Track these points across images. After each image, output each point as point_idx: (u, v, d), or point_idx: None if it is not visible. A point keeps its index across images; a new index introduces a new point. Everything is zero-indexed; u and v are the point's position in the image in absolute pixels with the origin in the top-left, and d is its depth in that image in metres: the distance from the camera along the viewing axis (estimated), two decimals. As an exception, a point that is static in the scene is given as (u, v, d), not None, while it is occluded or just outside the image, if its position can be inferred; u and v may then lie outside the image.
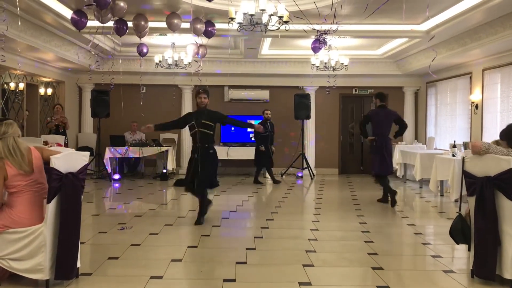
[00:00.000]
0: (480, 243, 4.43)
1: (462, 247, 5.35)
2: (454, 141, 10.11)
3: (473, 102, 10.86)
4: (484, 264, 4.38)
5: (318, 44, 9.17)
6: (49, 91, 13.21)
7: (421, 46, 10.80)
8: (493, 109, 10.20)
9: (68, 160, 4.26)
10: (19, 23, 7.74)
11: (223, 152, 12.74)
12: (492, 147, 4.49)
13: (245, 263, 5.09)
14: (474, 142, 4.59)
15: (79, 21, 8.07)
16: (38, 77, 12.17)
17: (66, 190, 4.14)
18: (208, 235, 6.34)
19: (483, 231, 4.38)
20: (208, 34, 8.82)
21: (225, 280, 4.49)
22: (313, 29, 8.07)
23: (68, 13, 8.42)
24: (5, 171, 4.10)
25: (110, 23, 8.27)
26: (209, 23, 8.75)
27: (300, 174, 13.40)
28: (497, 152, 4.45)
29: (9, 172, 4.10)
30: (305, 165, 13.23)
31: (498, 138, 4.96)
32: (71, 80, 13.42)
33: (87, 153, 4.59)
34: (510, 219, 4.26)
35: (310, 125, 13.96)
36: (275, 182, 11.96)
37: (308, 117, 13.23)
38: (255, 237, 6.25)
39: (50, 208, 4.08)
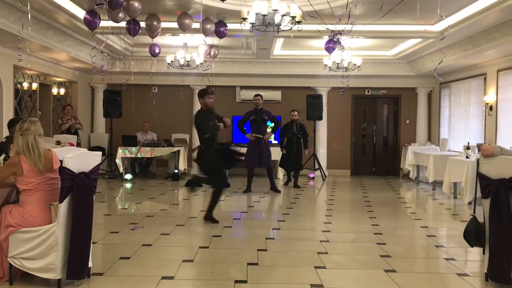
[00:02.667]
0: (494, 246, 4.36)
1: (476, 250, 5.28)
2: (468, 143, 10.01)
3: (487, 104, 10.74)
4: (499, 267, 4.31)
5: (332, 44, 9.13)
6: (62, 91, 13.29)
7: (434, 46, 10.70)
8: (508, 111, 10.08)
9: (81, 159, 4.26)
10: (29, 24, 7.76)
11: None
12: (504, 150, 4.45)
13: (256, 264, 5.07)
14: (486, 146, 4.53)
15: (92, 21, 8.09)
16: (51, 77, 12.25)
17: (78, 190, 4.14)
18: (220, 236, 6.33)
19: (498, 233, 4.31)
20: (220, 34, 8.81)
21: (236, 281, 4.47)
22: (327, 29, 8.01)
23: (81, 13, 8.45)
24: (19, 168, 4.12)
25: (123, 23, 8.30)
26: (221, 23, 8.74)
27: (311, 175, 13.34)
28: (509, 154, 4.39)
29: (24, 168, 4.12)
30: (317, 166, 13.18)
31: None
32: (83, 80, 13.50)
33: (99, 153, 4.60)
34: (526, 222, 4.20)
35: (322, 126, 13.90)
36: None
37: (320, 118, 13.17)
38: (266, 238, 6.22)
39: (62, 208, 4.09)
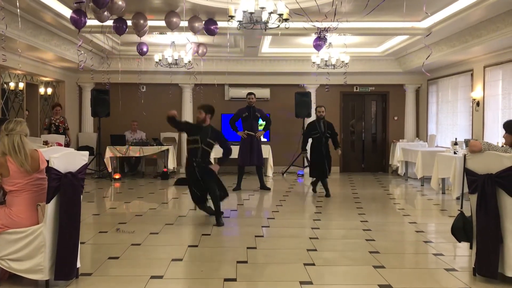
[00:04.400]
0: (482, 241, 4.40)
1: (464, 245, 5.32)
2: (456, 139, 10.09)
3: (474, 100, 10.82)
4: (486, 262, 4.35)
5: (319, 41, 9.14)
6: (49, 90, 13.19)
7: (422, 43, 10.75)
8: (494, 107, 10.16)
9: (67, 159, 4.24)
10: (19, 23, 7.70)
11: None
12: (491, 145, 4.49)
13: (246, 262, 5.07)
14: (473, 142, 4.58)
15: (78, 20, 8.03)
16: (38, 77, 12.15)
17: (65, 190, 4.12)
18: (209, 234, 6.32)
19: (485, 228, 4.35)
20: (210, 32, 8.79)
21: (225, 280, 4.47)
22: (313, 26, 8.02)
23: (67, 12, 8.39)
24: (6, 168, 4.09)
25: (110, 22, 8.25)
26: (211, 21, 8.71)
27: (301, 173, 13.36)
28: (496, 150, 4.43)
29: (11, 169, 4.09)
30: (306, 164, 13.20)
31: (500, 135, 4.96)
32: (71, 80, 13.40)
33: (86, 152, 4.58)
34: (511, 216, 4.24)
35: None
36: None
37: (309, 115, 13.19)
38: (256, 236, 6.22)
39: (50, 208, 4.06)
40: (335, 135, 9.89)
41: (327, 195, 9.53)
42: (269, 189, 10.49)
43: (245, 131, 10.28)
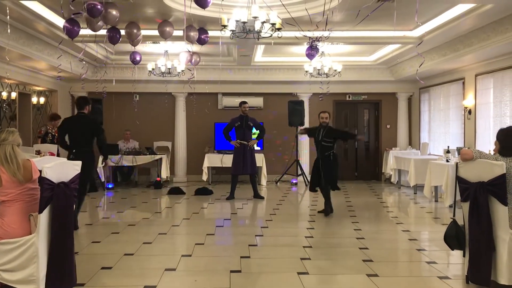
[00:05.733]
0: (474, 249, 4.42)
1: (457, 253, 5.34)
2: (448, 147, 10.15)
3: (466, 108, 10.89)
4: (479, 270, 4.37)
5: (311, 51, 9.18)
6: (42, 100, 13.16)
7: (413, 52, 10.82)
8: (486, 114, 10.23)
9: (60, 169, 4.23)
10: (9, 31, 7.69)
11: (217, 159, 12.76)
12: (482, 154, 4.53)
13: (239, 271, 5.06)
14: (465, 150, 4.61)
15: (72, 30, 8.03)
16: (31, 86, 12.12)
17: (58, 200, 4.10)
18: (202, 244, 6.31)
19: (477, 236, 4.37)
20: (201, 41, 8.82)
21: (219, 289, 4.46)
22: (305, 36, 8.07)
23: (60, 22, 8.39)
24: None
25: (103, 32, 8.25)
26: (202, 31, 8.75)
27: (294, 181, 13.38)
28: (487, 158, 4.47)
29: (3, 179, 4.07)
30: (299, 172, 13.23)
31: (492, 143, 4.99)
32: (63, 89, 13.36)
33: (79, 162, 4.56)
34: (504, 224, 4.26)
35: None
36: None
37: (302, 124, 13.23)
38: (249, 245, 6.21)
39: (42, 218, 4.04)
40: (343, 135, 9.21)
41: (322, 211, 8.59)
42: (262, 197, 10.48)
43: (238, 140, 10.28)
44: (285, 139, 14.09)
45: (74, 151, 7.45)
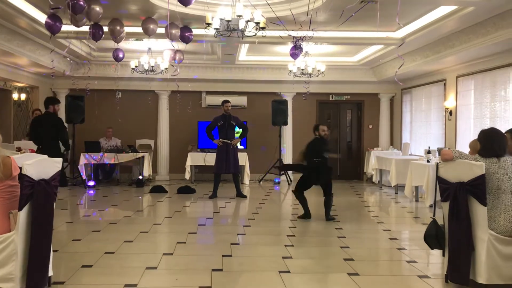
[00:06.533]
0: (453, 248, 4.47)
1: (437, 252, 5.39)
2: (429, 147, 10.25)
3: (447, 109, 11.02)
4: (458, 269, 4.42)
5: (295, 50, 9.20)
6: (23, 96, 13.00)
7: (396, 53, 10.92)
8: (466, 116, 10.36)
9: (40, 166, 4.18)
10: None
11: (200, 158, 12.73)
12: (462, 154, 4.59)
13: (221, 270, 5.06)
14: (445, 150, 4.66)
15: (53, 26, 7.93)
16: (11, 82, 11.96)
17: (38, 197, 4.05)
18: (184, 242, 6.29)
19: (457, 236, 4.42)
20: (185, 39, 8.77)
21: (200, 288, 4.45)
22: (289, 35, 8.09)
23: (42, 17, 8.30)
24: None
25: (86, 28, 8.18)
26: (186, 29, 8.71)
27: (277, 180, 13.41)
28: (467, 159, 4.52)
29: None
30: (282, 171, 13.25)
31: (472, 143, 5.07)
32: (45, 85, 13.21)
33: (60, 159, 4.51)
34: (483, 224, 4.31)
35: (287, 131, 13.97)
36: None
37: (286, 123, 13.27)
38: (231, 244, 6.21)
39: (22, 216, 3.99)
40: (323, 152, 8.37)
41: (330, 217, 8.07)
42: (245, 196, 10.48)
43: (221, 139, 10.27)
44: (267, 140, 14.09)
45: (40, 146, 8.81)
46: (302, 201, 8.26)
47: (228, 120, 10.33)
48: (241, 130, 10.74)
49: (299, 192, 8.30)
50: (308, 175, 8.33)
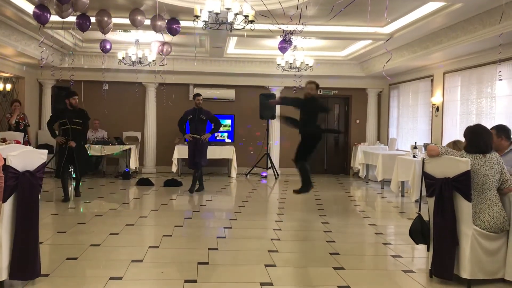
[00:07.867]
0: (438, 243, 4.51)
1: (422, 247, 5.43)
2: (415, 143, 10.31)
3: (434, 105, 11.08)
4: (442, 264, 4.46)
5: (285, 44, 9.19)
6: (8, 86, 12.85)
7: (383, 48, 10.95)
8: (453, 112, 10.43)
9: (25, 158, 4.14)
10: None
11: (187, 151, 12.61)
12: (448, 150, 4.61)
13: (207, 263, 5.06)
14: (431, 146, 4.69)
15: (41, 16, 7.85)
16: (-4, 72, 11.82)
17: (22, 189, 4.02)
18: (170, 235, 6.27)
19: (442, 231, 4.46)
20: (172, 31, 8.72)
21: (186, 281, 4.44)
22: (279, 28, 8.07)
23: (29, 7, 8.20)
24: None
25: (73, 18, 8.10)
26: (174, 21, 8.65)
27: (264, 174, 13.42)
28: (453, 155, 4.55)
29: None
30: (269, 165, 13.26)
31: (459, 139, 5.10)
32: (31, 76, 13.07)
33: (45, 151, 4.47)
34: (467, 220, 4.36)
35: (275, 125, 13.97)
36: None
37: (273, 117, 13.26)
38: (217, 237, 6.21)
39: (6, 208, 3.95)
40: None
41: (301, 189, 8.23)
42: (192, 192, 10.03)
43: (191, 133, 10.12)
44: (256, 134, 14.09)
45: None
46: (304, 171, 7.96)
47: (198, 114, 10.08)
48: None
49: (300, 160, 7.99)
50: (303, 135, 8.16)
